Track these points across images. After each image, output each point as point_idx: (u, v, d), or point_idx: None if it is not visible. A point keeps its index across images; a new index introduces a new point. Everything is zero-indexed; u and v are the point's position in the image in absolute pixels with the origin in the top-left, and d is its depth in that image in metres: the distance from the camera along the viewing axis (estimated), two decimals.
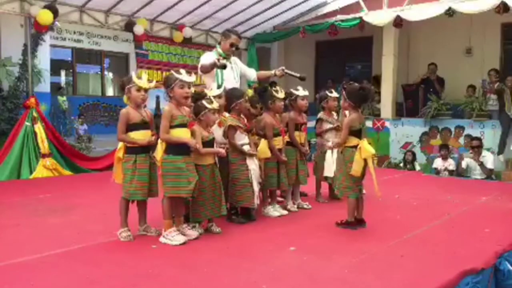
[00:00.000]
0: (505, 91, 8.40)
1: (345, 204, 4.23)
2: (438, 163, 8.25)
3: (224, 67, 4.73)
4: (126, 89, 3.79)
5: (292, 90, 4.96)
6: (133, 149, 3.76)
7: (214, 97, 4.04)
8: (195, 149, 3.74)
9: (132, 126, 3.76)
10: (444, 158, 8.19)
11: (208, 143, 3.92)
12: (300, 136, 4.96)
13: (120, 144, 3.83)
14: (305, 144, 5.03)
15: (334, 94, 5.29)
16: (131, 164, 3.74)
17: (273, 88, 4.70)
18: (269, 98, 4.65)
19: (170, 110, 3.70)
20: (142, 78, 3.81)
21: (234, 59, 5.26)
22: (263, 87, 4.80)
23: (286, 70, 5.23)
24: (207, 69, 4.88)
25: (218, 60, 4.71)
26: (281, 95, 4.68)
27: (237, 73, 5.22)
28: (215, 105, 3.93)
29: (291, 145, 4.90)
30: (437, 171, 8.16)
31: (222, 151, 4.00)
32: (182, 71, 3.73)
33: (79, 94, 12.76)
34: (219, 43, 5.17)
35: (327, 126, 5.31)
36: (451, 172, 8.02)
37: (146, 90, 3.79)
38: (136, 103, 3.78)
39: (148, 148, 3.82)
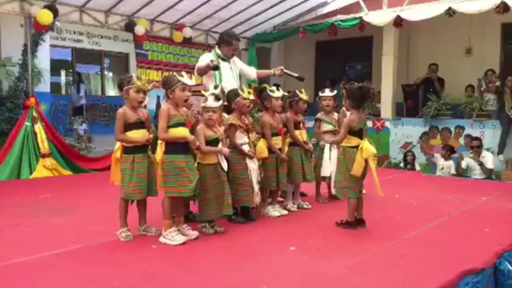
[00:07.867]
0: (505, 91, 8.40)
1: (345, 204, 4.23)
2: (441, 161, 8.23)
3: (216, 68, 4.80)
4: (124, 90, 3.78)
5: (297, 91, 4.98)
6: (130, 149, 3.75)
7: (214, 96, 4.01)
8: (197, 147, 3.73)
9: (129, 126, 3.76)
10: (445, 158, 8.18)
11: (211, 142, 3.92)
12: (301, 134, 4.97)
13: (118, 145, 3.82)
14: (308, 142, 5.04)
15: (326, 94, 5.29)
16: (129, 164, 3.73)
17: (270, 88, 4.69)
18: (266, 98, 4.66)
19: (168, 110, 3.70)
20: (141, 80, 3.80)
21: (233, 58, 5.28)
22: (261, 88, 4.81)
23: (284, 70, 5.32)
24: (202, 71, 4.98)
25: (212, 61, 4.77)
26: (277, 94, 4.67)
27: (236, 73, 5.25)
28: (208, 103, 3.89)
29: (295, 145, 4.91)
30: (441, 167, 8.12)
31: (226, 150, 3.99)
32: (184, 74, 3.74)
33: None
34: (218, 46, 5.19)
35: (326, 126, 5.31)
36: (456, 171, 8.00)
37: (145, 92, 3.78)
38: (133, 105, 3.78)
39: (146, 147, 3.82)
